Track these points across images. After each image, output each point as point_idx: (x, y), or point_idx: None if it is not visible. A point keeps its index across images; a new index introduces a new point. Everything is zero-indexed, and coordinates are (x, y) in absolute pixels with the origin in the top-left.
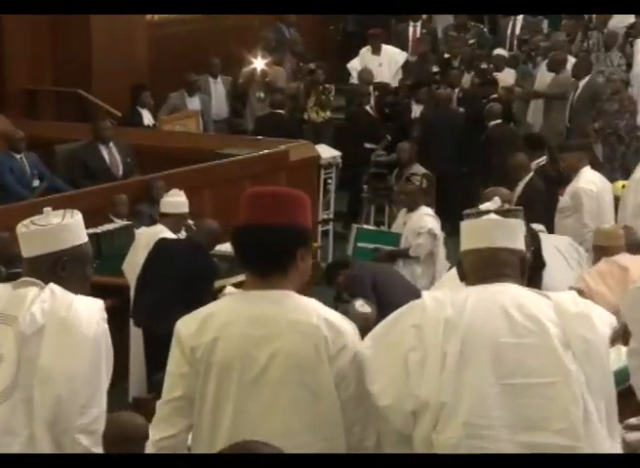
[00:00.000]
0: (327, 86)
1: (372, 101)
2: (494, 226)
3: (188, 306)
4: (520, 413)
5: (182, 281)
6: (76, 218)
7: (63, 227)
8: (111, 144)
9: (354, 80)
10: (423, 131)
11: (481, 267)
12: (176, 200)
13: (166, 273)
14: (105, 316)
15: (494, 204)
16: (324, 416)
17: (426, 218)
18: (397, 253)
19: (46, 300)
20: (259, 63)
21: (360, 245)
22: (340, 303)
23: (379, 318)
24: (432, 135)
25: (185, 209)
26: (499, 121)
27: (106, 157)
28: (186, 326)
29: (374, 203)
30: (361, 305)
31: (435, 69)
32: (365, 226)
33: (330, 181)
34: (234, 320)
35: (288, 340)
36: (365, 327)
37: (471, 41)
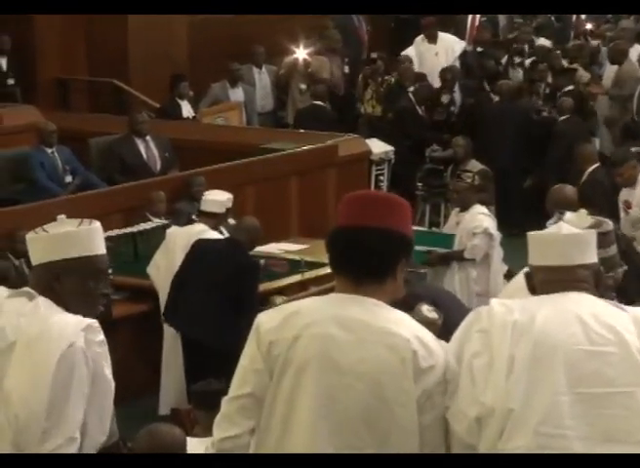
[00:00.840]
0: (386, 77)
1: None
2: (568, 243)
3: (231, 308)
4: (597, 424)
5: (226, 283)
6: (87, 228)
7: (65, 236)
8: (148, 138)
9: None
10: (486, 125)
11: (554, 285)
12: (216, 198)
13: (206, 275)
14: (98, 338)
15: (580, 218)
16: (398, 435)
17: (481, 217)
18: (451, 255)
19: (25, 315)
20: (301, 53)
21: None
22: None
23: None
24: (494, 129)
25: (226, 206)
26: (568, 116)
27: (143, 151)
28: (268, 319)
29: (429, 201)
30: (429, 310)
31: (518, 60)
32: (416, 228)
33: (382, 178)
34: (319, 320)
35: (374, 350)
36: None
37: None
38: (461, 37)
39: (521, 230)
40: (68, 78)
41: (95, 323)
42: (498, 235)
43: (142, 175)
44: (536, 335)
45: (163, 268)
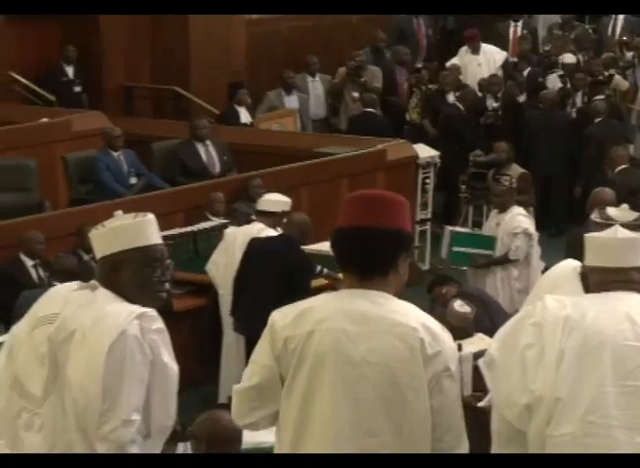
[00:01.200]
0: (430, 86)
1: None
2: (625, 246)
3: (287, 303)
4: None
5: (281, 278)
6: (139, 220)
7: (120, 229)
8: (208, 142)
9: None
10: (527, 132)
11: (608, 285)
12: (273, 198)
13: (263, 272)
14: (155, 326)
15: (624, 213)
16: (412, 419)
17: (520, 218)
18: (496, 261)
19: (84, 305)
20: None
21: (455, 249)
22: (436, 304)
23: None
24: (536, 136)
25: (282, 208)
26: (601, 118)
27: (203, 155)
28: (283, 317)
29: (472, 203)
30: (460, 305)
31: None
32: (459, 229)
33: (428, 181)
34: (331, 315)
35: (384, 340)
36: (464, 327)
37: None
38: (503, 48)
39: (559, 231)
40: (133, 85)
41: (150, 311)
42: (535, 234)
43: (202, 177)
44: (586, 331)
45: (222, 266)
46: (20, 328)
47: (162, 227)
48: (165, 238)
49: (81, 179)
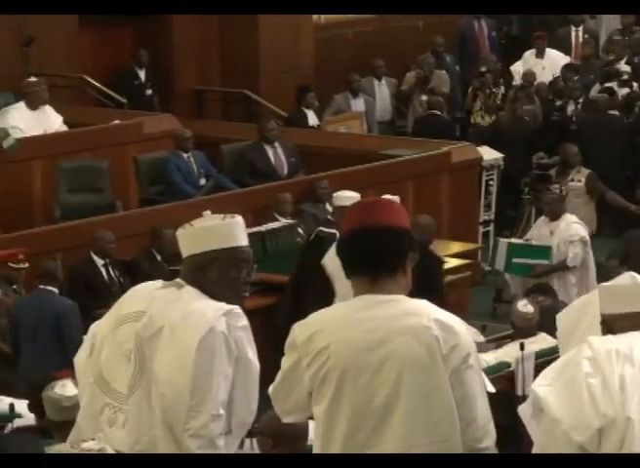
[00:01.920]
0: (494, 90)
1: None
2: None
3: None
4: None
5: (417, 280)
6: (228, 221)
7: (209, 229)
8: (276, 144)
9: (517, 83)
10: (582, 136)
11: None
12: (348, 194)
13: None
14: (240, 323)
15: None
16: (439, 417)
17: (575, 226)
18: (554, 268)
19: (171, 303)
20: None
21: (515, 260)
22: (499, 304)
23: None
24: (591, 140)
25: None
26: None
27: (272, 157)
28: (301, 331)
29: (534, 205)
30: (524, 305)
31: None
32: (514, 241)
33: (491, 183)
34: (347, 325)
35: (400, 343)
36: (527, 327)
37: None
38: (566, 54)
39: (620, 232)
40: (203, 89)
41: (236, 308)
42: (589, 240)
43: (270, 178)
44: (638, 361)
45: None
46: (100, 326)
47: None
48: None
49: (152, 180)
